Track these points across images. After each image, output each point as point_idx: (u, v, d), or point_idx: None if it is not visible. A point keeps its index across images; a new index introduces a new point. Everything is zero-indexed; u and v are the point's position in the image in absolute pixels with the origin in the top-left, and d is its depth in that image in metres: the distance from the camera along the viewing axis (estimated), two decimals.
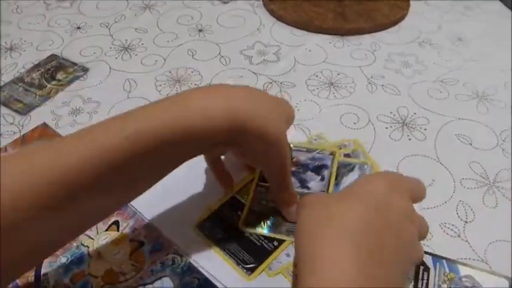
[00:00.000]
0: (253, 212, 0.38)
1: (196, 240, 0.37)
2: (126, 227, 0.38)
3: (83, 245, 0.37)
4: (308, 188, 0.39)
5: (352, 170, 0.40)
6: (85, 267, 0.36)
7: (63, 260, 0.36)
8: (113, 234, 0.38)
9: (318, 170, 0.41)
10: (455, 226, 0.38)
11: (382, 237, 0.26)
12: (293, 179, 0.39)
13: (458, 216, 0.38)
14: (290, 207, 0.36)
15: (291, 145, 0.43)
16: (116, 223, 0.39)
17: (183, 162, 0.31)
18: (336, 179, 0.40)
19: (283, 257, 0.35)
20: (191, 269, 0.35)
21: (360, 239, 0.25)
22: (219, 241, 0.36)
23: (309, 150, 0.43)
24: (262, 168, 0.38)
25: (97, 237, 0.38)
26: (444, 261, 0.35)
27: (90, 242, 0.37)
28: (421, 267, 0.34)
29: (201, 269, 0.35)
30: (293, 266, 0.35)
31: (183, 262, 0.35)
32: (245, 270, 0.34)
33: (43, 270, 0.35)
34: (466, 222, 0.38)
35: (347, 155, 0.42)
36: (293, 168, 0.41)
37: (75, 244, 0.37)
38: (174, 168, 0.31)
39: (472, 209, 0.39)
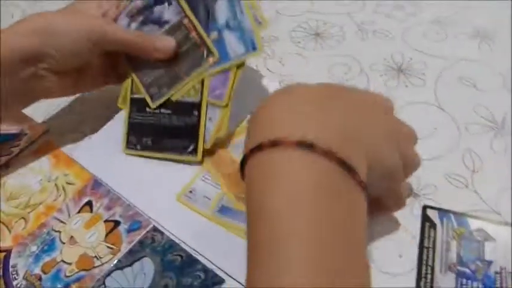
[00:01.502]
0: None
1: (177, 214, 0.33)
2: (100, 207, 0.35)
3: (53, 230, 0.34)
4: (167, 21, 0.35)
5: None
6: (57, 254, 0.32)
7: (33, 248, 0.33)
8: (86, 216, 0.34)
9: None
10: (462, 176, 0.34)
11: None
12: (142, 26, 0.36)
13: (465, 165, 0.35)
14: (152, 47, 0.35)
15: None
16: (89, 203, 0.35)
17: None
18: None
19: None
20: (173, 246, 0.31)
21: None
22: (151, 148, 0.36)
23: None
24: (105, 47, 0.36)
25: (69, 221, 0.34)
26: (452, 215, 0.31)
27: (62, 227, 0.34)
28: (427, 224, 0.31)
29: (183, 246, 0.31)
30: None
31: (164, 239, 0.32)
32: (191, 155, 0.35)
33: (11, 262, 0.32)
34: (474, 171, 0.34)
35: None
36: (140, 18, 0.36)
37: (45, 230, 0.34)
38: None
39: (479, 157, 0.35)
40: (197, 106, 0.35)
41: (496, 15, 0.48)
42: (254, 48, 0.34)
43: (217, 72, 0.34)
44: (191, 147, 0.35)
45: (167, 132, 0.36)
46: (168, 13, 0.35)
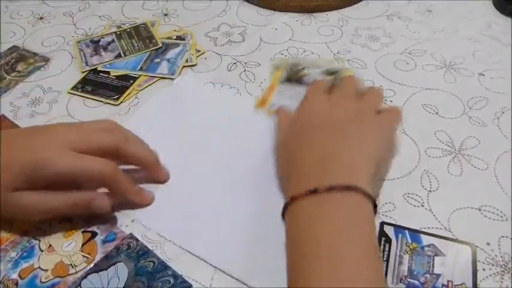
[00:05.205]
0: None
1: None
2: (79, 218, 0.37)
3: (34, 238, 0.36)
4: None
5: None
6: (35, 261, 0.34)
7: (13, 254, 0.35)
8: (66, 226, 0.36)
9: None
10: (418, 196, 0.36)
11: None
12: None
13: (422, 186, 0.37)
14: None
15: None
16: None
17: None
18: None
19: None
20: (147, 253, 0.33)
21: None
22: (88, 92, 0.49)
23: None
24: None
25: (49, 230, 0.36)
26: (406, 231, 0.33)
27: (42, 235, 0.36)
28: (383, 239, 0.33)
29: (157, 251, 0.33)
30: None
31: (139, 246, 0.34)
32: (113, 101, 0.48)
33: None
34: (430, 191, 0.37)
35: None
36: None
37: (26, 238, 0.36)
38: None
39: (436, 178, 0.38)
40: (135, 79, 0.51)
41: (461, 48, 0.52)
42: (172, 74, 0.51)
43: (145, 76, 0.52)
44: (116, 97, 0.49)
45: (105, 87, 0.50)
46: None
